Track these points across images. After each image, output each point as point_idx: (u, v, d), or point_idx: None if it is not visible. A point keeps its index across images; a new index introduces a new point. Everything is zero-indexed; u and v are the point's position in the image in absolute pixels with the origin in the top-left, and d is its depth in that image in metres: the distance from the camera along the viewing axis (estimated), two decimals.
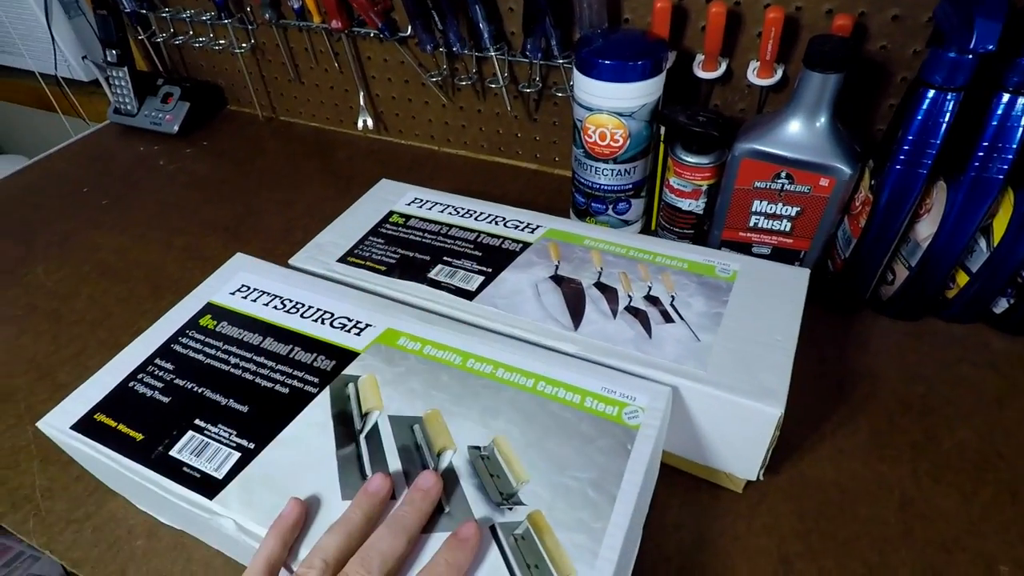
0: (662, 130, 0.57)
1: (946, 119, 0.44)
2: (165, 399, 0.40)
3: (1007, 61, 0.42)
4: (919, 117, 0.45)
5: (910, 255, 0.52)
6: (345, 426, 0.37)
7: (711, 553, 0.41)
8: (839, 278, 0.55)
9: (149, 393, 0.40)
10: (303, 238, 0.69)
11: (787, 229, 0.55)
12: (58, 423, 0.39)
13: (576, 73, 0.55)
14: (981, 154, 0.45)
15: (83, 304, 0.64)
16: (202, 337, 0.44)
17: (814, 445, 0.47)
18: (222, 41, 0.86)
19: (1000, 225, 0.48)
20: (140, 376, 0.41)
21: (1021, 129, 0.44)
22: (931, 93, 0.44)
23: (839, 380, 0.51)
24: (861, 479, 0.45)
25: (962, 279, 0.53)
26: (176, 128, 0.90)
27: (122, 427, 0.39)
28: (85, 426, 0.39)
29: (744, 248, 0.58)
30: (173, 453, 0.37)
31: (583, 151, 0.59)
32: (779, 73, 0.57)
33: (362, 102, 0.81)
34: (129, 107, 0.92)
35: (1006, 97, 0.43)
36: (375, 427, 0.37)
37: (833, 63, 0.47)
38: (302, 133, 0.91)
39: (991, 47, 0.41)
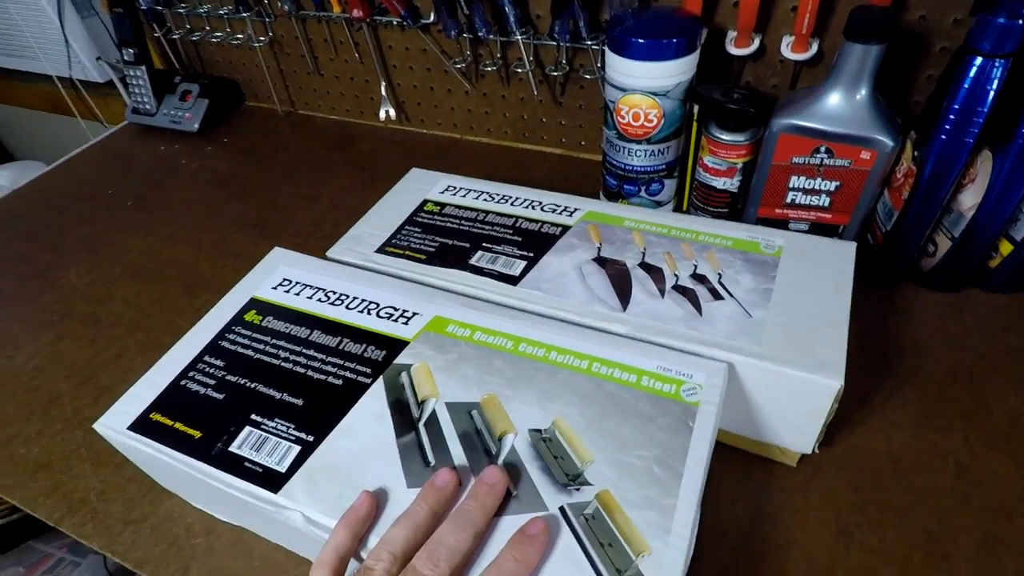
0: (695, 109, 0.57)
1: (994, 87, 0.44)
2: (219, 396, 0.40)
3: None
4: (966, 86, 0.44)
5: (953, 226, 0.52)
6: (403, 415, 0.38)
7: (769, 527, 0.41)
8: (880, 251, 0.55)
9: (202, 391, 0.41)
10: (333, 231, 0.69)
11: (826, 204, 0.54)
12: (115, 424, 0.39)
13: (608, 54, 0.54)
14: None
15: (118, 306, 0.65)
16: (249, 332, 0.44)
17: (864, 418, 0.47)
18: (240, 35, 0.86)
19: None
20: (191, 374, 0.42)
21: None
22: (978, 61, 0.44)
23: (884, 353, 0.51)
24: (914, 449, 0.45)
25: (1005, 248, 0.52)
26: (196, 126, 0.90)
27: (179, 425, 0.39)
28: (142, 426, 0.39)
29: (780, 225, 0.57)
30: (233, 449, 0.37)
31: (615, 132, 0.58)
32: (814, 47, 0.56)
33: (383, 92, 0.81)
34: (148, 106, 0.92)
35: None
36: (433, 414, 0.37)
37: (874, 34, 0.46)
38: (323, 126, 0.91)
39: None
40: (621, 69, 0.54)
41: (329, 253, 0.51)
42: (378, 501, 0.33)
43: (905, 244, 0.53)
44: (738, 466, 0.45)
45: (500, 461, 0.35)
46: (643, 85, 0.54)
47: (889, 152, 0.49)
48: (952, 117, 0.46)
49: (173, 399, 0.40)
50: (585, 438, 0.35)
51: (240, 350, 0.43)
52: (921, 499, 0.42)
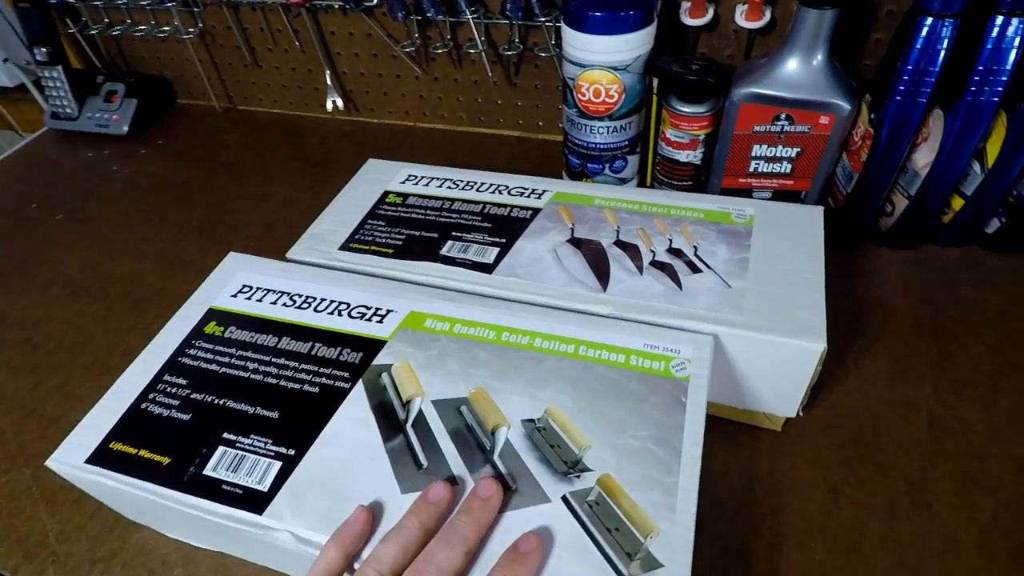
0: (655, 82, 0.56)
1: (944, 46, 0.45)
2: (185, 417, 0.37)
3: None
4: (917, 46, 0.45)
5: (909, 184, 0.53)
6: (388, 418, 0.36)
7: (763, 492, 0.42)
8: (842, 213, 0.56)
9: (166, 413, 0.38)
10: (288, 231, 0.66)
11: (787, 171, 0.55)
12: (70, 459, 0.36)
13: (566, 29, 0.53)
14: (977, 79, 0.46)
15: (58, 329, 0.60)
16: (211, 346, 0.41)
17: (840, 377, 0.48)
18: (166, 28, 0.80)
19: (994, 148, 0.49)
20: (151, 396, 0.39)
21: (1014, 51, 0.44)
22: (928, 21, 0.44)
23: (853, 312, 0.52)
24: (889, 403, 0.46)
25: (957, 203, 0.54)
26: (125, 128, 0.84)
27: (144, 453, 0.36)
28: (102, 458, 0.36)
29: (744, 194, 0.58)
30: (208, 472, 0.35)
31: (576, 111, 0.57)
32: (767, 15, 0.56)
33: (329, 82, 0.78)
34: (69, 110, 0.85)
35: (999, 20, 0.44)
36: (420, 414, 0.36)
37: None
38: (266, 121, 0.86)
39: None
40: (579, 45, 0.53)
41: (289, 254, 0.49)
42: (374, 515, 0.32)
43: (866, 205, 0.54)
44: (726, 436, 0.45)
45: (495, 455, 0.34)
46: (603, 60, 0.53)
47: (847, 116, 0.50)
48: (906, 78, 0.47)
49: (134, 425, 0.37)
50: (580, 424, 0.34)
51: (203, 365, 0.40)
52: (901, 450, 0.44)
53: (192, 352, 0.41)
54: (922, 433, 0.44)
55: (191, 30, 0.79)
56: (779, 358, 0.38)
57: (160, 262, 0.66)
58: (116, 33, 0.83)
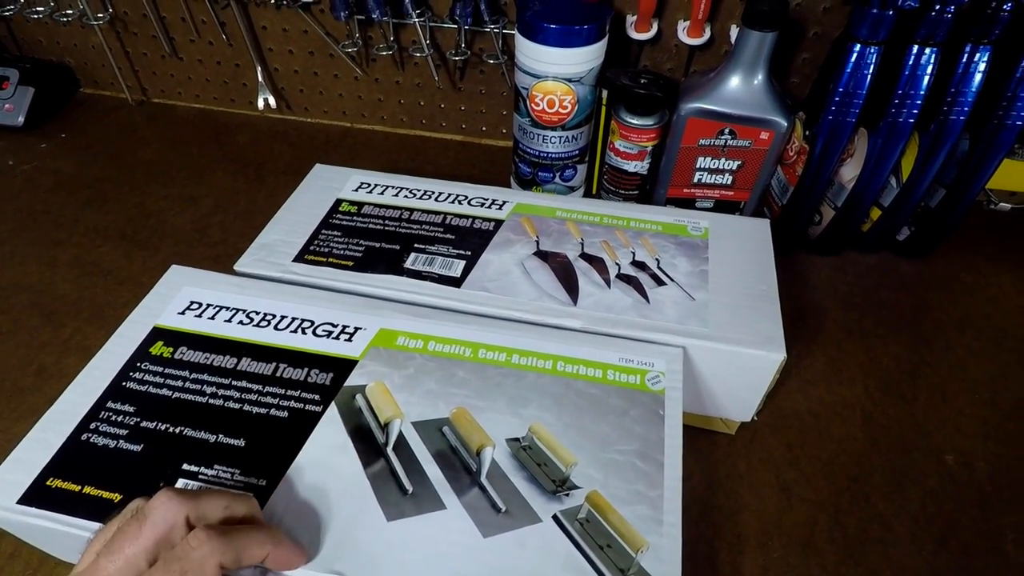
0: (604, 94, 0.57)
1: (871, 71, 0.49)
2: (135, 447, 0.34)
3: (918, 16, 0.47)
4: (847, 70, 0.49)
5: (835, 196, 0.57)
6: (366, 442, 0.35)
7: (723, 494, 0.44)
8: (778, 223, 0.59)
9: (112, 444, 0.34)
10: (223, 238, 0.62)
11: (728, 182, 0.58)
12: None
13: (521, 39, 0.53)
14: (896, 101, 0.50)
15: None
16: (160, 368, 0.38)
17: (784, 380, 0.51)
18: (70, 11, 0.72)
19: (908, 164, 0.54)
20: (93, 426, 0.35)
21: (927, 77, 0.49)
22: (857, 47, 0.48)
23: (791, 316, 0.55)
24: (828, 404, 0.50)
25: (875, 214, 0.59)
26: (21, 119, 0.76)
27: (90, 490, 0.33)
28: (37, 497, 0.32)
29: (688, 204, 0.60)
30: None
31: (529, 120, 0.57)
32: (707, 32, 0.59)
33: (260, 78, 0.73)
34: None
35: (915, 48, 0.48)
36: (401, 437, 0.35)
37: (770, 22, 0.49)
38: (187, 117, 0.80)
39: (912, 3, 0.45)
40: (535, 55, 0.53)
41: (238, 266, 0.46)
42: None
43: (799, 215, 0.58)
44: (686, 441, 0.46)
45: (482, 477, 0.33)
46: (558, 72, 0.53)
47: (784, 132, 0.53)
48: (837, 99, 0.50)
49: (74, 459, 0.34)
50: (565, 440, 0.35)
51: (153, 390, 0.37)
52: (841, 447, 0.47)
53: (138, 376, 0.37)
54: (858, 430, 0.48)
55: (100, 15, 0.72)
56: (742, 367, 0.41)
57: (74, 269, 0.60)
58: (8, 14, 0.74)
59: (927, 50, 0.48)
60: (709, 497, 0.44)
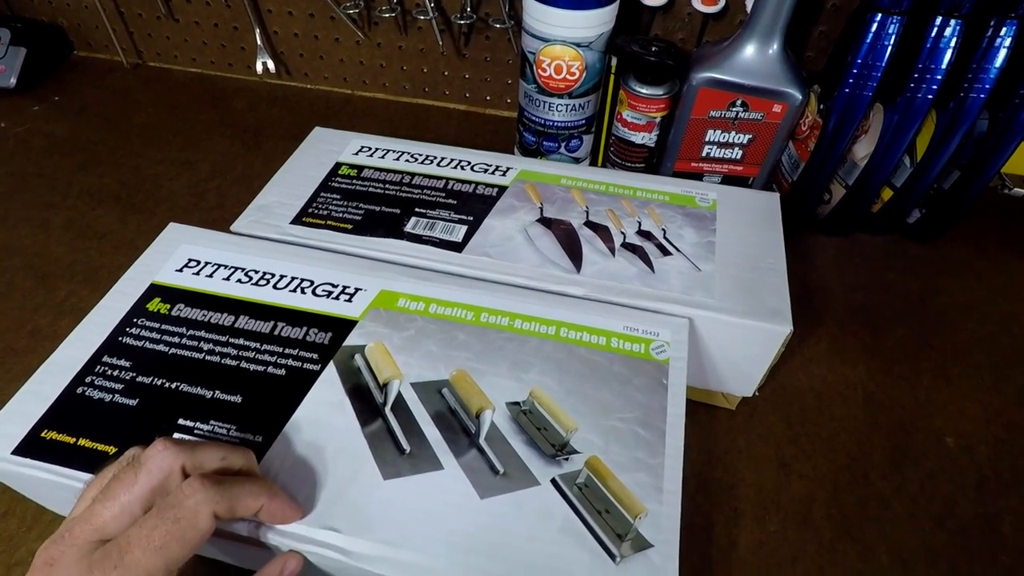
0: (613, 62, 0.56)
1: (891, 42, 0.47)
2: (131, 402, 0.34)
3: None
4: (867, 40, 0.48)
5: (847, 174, 0.56)
6: (365, 401, 0.34)
7: (721, 468, 0.44)
8: (787, 201, 0.58)
9: (108, 398, 0.34)
10: (220, 203, 0.61)
11: (738, 157, 0.57)
12: None
13: (529, 1, 0.51)
14: (916, 76, 0.49)
15: None
16: (157, 324, 0.37)
17: (786, 358, 0.51)
18: None
19: (923, 143, 0.53)
20: (89, 380, 0.35)
21: (949, 52, 0.48)
22: (878, 17, 0.47)
23: (796, 294, 0.54)
24: (830, 383, 0.50)
25: (887, 194, 0.58)
26: (13, 81, 0.74)
27: (85, 442, 0.32)
28: (32, 448, 0.32)
29: (695, 178, 0.59)
30: None
31: (535, 86, 0.56)
32: (723, 1, 0.57)
33: (259, 41, 0.72)
34: None
35: (939, 20, 0.47)
36: (400, 398, 0.34)
37: None
38: (183, 81, 0.79)
39: None
40: (543, 17, 0.51)
41: (234, 227, 0.45)
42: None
43: (810, 192, 0.57)
44: (687, 415, 0.46)
45: (481, 439, 0.33)
46: (566, 35, 0.52)
47: (798, 105, 0.52)
48: (854, 71, 0.49)
49: (69, 412, 0.33)
50: (566, 406, 0.34)
51: (149, 346, 0.36)
52: (841, 426, 0.47)
53: (134, 331, 0.37)
54: (859, 410, 0.48)
55: None
56: (747, 340, 0.40)
57: (68, 232, 0.59)
58: None
59: (951, 22, 0.47)
60: (707, 470, 0.44)
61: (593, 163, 0.65)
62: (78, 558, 0.24)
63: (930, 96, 0.49)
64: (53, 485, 0.31)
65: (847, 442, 0.46)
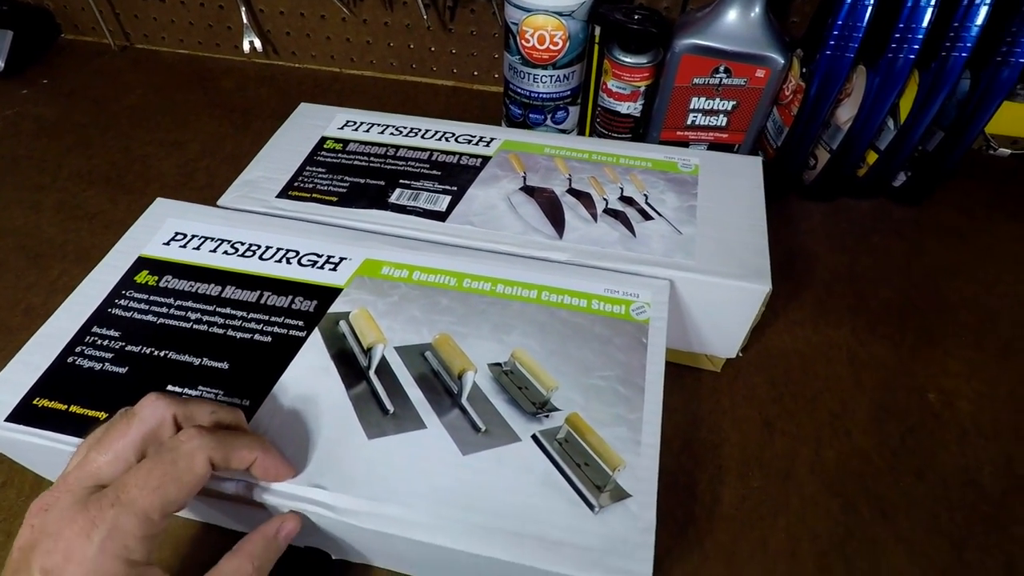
0: (597, 31, 0.56)
1: (871, 2, 0.47)
2: (120, 370, 0.35)
3: None
4: (847, 1, 0.48)
5: (831, 139, 0.56)
6: (349, 365, 0.35)
7: (706, 428, 0.45)
8: (771, 166, 0.59)
9: (98, 367, 0.35)
10: (209, 182, 0.61)
11: (723, 124, 0.57)
12: None
13: None
14: (897, 36, 0.49)
15: None
16: (145, 296, 0.38)
17: (770, 320, 0.51)
18: None
19: (906, 105, 0.53)
20: (79, 349, 0.35)
21: (930, 11, 0.47)
22: None
23: (780, 260, 0.55)
24: (814, 344, 0.50)
25: (871, 158, 0.58)
26: (1, 64, 0.74)
27: (76, 409, 0.33)
28: (25, 415, 0.33)
29: (682, 146, 0.59)
30: None
31: (519, 58, 0.56)
32: None
33: (245, 20, 0.71)
34: None
35: None
36: (384, 361, 0.35)
37: None
38: (171, 62, 0.79)
39: None
40: None
41: (221, 202, 0.45)
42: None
43: (794, 157, 0.58)
44: (671, 378, 0.46)
45: (463, 399, 0.34)
46: (548, 4, 0.52)
47: (781, 70, 0.52)
48: (836, 32, 0.49)
49: (60, 380, 0.34)
50: (548, 366, 0.35)
51: (138, 316, 0.37)
52: (825, 386, 0.48)
53: (123, 303, 0.37)
54: (843, 369, 0.49)
55: None
56: (727, 300, 0.40)
57: (60, 213, 0.59)
58: None
59: None
60: (692, 431, 0.44)
61: (580, 134, 0.65)
62: (73, 502, 0.25)
63: (912, 56, 0.49)
64: (47, 451, 0.32)
65: (830, 401, 0.47)
